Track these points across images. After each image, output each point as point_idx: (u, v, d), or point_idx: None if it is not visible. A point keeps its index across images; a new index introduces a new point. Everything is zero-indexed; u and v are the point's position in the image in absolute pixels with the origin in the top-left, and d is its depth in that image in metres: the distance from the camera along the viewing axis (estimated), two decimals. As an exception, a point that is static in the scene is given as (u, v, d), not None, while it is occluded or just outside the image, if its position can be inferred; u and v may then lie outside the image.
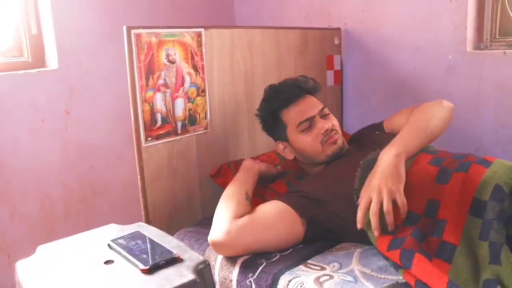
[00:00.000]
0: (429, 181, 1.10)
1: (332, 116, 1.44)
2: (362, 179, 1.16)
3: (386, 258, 1.03)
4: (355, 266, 1.05)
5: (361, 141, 1.52)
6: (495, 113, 1.78)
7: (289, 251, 1.17)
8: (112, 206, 2.02)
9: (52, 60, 1.80)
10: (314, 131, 1.39)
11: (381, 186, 1.06)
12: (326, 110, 1.44)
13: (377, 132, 1.52)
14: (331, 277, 1.01)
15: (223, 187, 1.50)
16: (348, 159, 1.37)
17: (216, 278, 1.17)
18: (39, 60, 1.81)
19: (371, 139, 1.47)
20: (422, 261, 0.95)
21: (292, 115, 1.41)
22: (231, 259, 1.17)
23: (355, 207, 1.12)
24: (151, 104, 1.33)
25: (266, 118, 1.47)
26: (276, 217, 1.19)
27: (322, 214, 1.20)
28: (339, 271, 1.03)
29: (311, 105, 1.41)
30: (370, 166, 1.17)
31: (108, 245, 1.02)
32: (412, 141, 1.19)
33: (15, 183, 1.71)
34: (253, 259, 1.14)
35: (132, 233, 1.06)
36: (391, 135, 1.27)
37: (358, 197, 1.13)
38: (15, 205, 1.72)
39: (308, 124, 1.39)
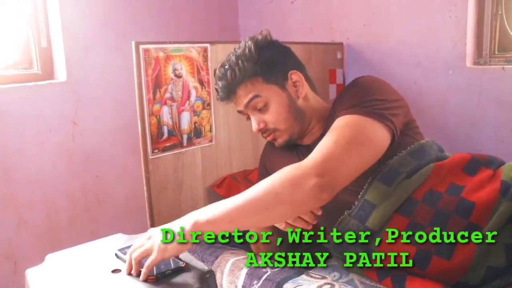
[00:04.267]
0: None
1: (270, 110, 1.17)
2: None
3: None
4: (354, 276, 1.07)
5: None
6: (494, 128, 1.81)
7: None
8: (116, 215, 2.05)
9: (60, 73, 1.85)
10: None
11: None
12: (257, 102, 1.16)
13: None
14: (333, 285, 1.03)
15: (226, 198, 1.53)
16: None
17: (224, 282, 1.20)
18: (48, 73, 1.85)
19: None
20: (414, 280, 0.97)
21: None
22: (239, 266, 1.19)
23: None
24: (158, 117, 1.36)
25: None
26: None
27: None
28: (339, 280, 1.06)
29: (238, 100, 1.20)
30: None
31: (115, 254, 1.05)
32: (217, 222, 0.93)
33: (22, 192, 1.74)
34: (258, 267, 1.17)
35: None
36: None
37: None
38: (22, 214, 1.75)
39: (244, 115, 1.24)
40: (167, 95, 1.38)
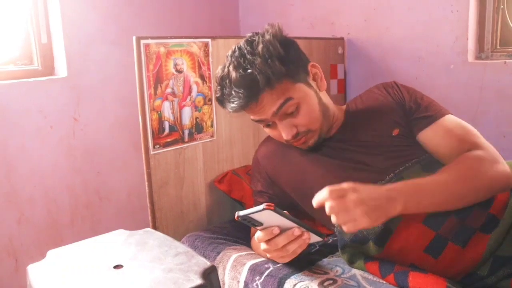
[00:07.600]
0: (417, 249, 1.00)
1: (302, 111, 1.06)
2: None
3: None
4: (357, 271, 1.07)
5: (368, 113, 1.18)
6: (496, 122, 1.80)
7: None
8: (117, 211, 2.05)
9: (61, 69, 1.84)
10: (275, 131, 1.11)
11: (366, 211, 0.83)
12: (290, 106, 1.04)
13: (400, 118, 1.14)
14: (335, 281, 1.03)
15: (227, 193, 1.53)
16: (336, 152, 1.13)
17: (226, 278, 1.20)
18: (48, 68, 1.84)
19: (387, 120, 1.13)
20: (417, 276, 0.97)
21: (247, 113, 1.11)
22: (241, 262, 1.19)
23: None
24: (159, 112, 1.36)
25: None
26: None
27: None
28: (342, 276, 1.06)
29: (262, 108, 1.05)
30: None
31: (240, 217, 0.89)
32: (423, 206, 0.93)
33: (23, 188, 1.74)
34: (260, 263, 1.16)
35: None
36: (414, 144, 1.09)
37: None
38: (23, 210, 1.75)
39: (265, 124, 1.11)
40: (168, 90, 1.37)
